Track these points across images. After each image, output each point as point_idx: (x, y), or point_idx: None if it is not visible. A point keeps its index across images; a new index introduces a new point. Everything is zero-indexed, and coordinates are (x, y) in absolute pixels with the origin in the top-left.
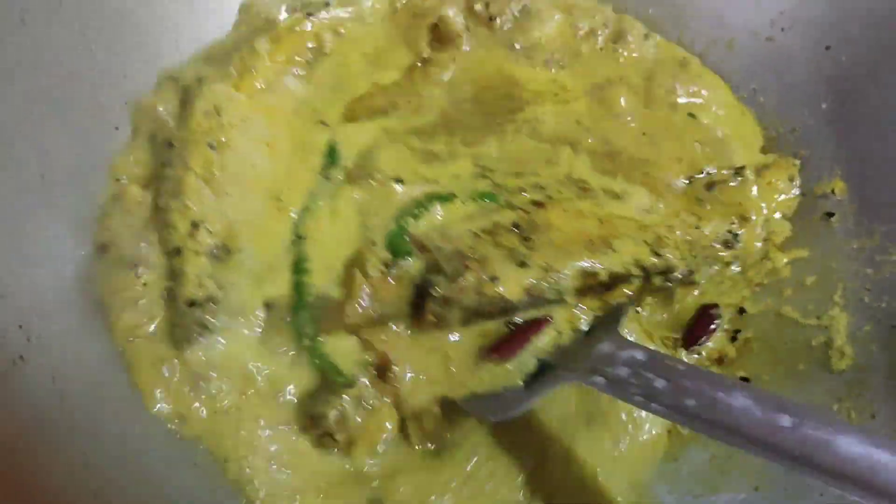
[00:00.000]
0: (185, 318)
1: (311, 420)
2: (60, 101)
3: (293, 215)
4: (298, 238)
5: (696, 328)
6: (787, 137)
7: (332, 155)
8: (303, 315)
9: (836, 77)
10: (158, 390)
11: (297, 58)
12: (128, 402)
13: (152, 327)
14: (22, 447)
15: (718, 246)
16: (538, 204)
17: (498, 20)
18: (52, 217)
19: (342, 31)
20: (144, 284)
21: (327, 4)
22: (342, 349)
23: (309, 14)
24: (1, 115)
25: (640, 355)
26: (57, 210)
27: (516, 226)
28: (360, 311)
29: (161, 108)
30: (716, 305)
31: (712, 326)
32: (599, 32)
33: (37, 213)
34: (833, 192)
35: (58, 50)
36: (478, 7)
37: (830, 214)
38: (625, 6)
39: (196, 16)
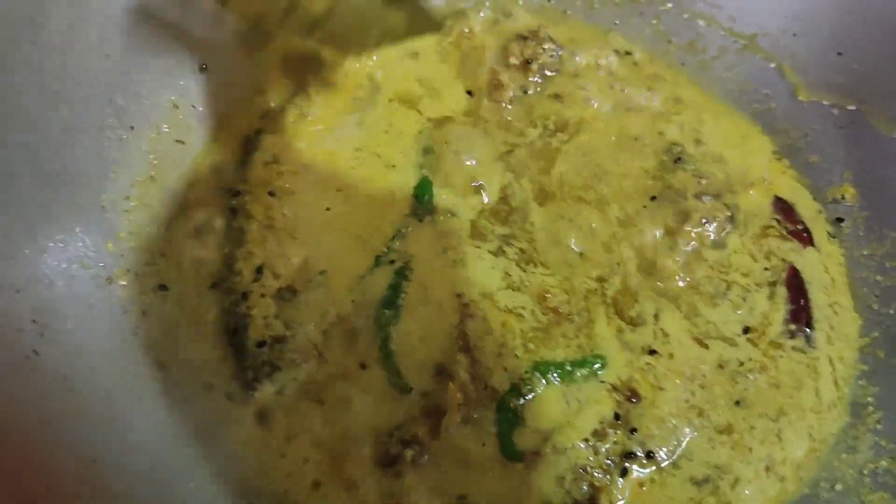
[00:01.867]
0: (255, 359)
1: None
2: (79, 100)
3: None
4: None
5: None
6: (798, 143)
7: (423, 188)
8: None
9: (848, 83)
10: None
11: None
12: (138, 400)
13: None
14: (32, 441)
15: None
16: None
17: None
18: (67, 214)
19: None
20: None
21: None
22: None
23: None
24: (20, 113)
25: None
26: (71, 207)
27: (617, 416)
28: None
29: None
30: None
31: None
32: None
33: (51, 210)
34: (843, 197)
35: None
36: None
37: (840, 220)
38: (636, 17)
39: None
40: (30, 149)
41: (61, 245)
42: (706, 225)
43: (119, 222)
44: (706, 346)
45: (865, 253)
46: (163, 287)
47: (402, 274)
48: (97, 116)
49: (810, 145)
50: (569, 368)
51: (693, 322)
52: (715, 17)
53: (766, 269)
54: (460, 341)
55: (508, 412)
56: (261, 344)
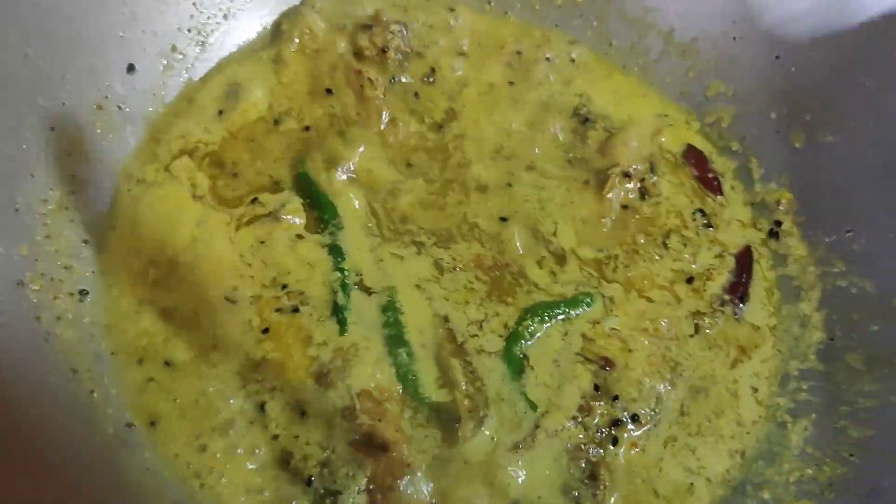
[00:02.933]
0: (315, 497)
1: None
2: None
3: None
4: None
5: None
6: (737, 147)
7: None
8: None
9: (786, 88)
10: None
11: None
12: (47, 405)
13: None
14: None
15: None
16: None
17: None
18: None
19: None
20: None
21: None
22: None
23: None
24: None
25: None
26: None
27: (596, 387)
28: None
29: None
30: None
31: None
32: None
33: None
34: (780, 202)
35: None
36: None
37: (779, 223)
38: (577, 19)
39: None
40: None
41: None
42: (628, 178)
43: (34, 225)
44: (653, 301)
45: (802, 254)
46: (83, 292)
47: (391, 308)
48: (15, 117)
49: (749, 149)
50: (563, 308)
51: (639, 277)
52: (656, 22)
53: (697, 210)
54: (448, 344)
55: (516, 361)
56: (309, 481)
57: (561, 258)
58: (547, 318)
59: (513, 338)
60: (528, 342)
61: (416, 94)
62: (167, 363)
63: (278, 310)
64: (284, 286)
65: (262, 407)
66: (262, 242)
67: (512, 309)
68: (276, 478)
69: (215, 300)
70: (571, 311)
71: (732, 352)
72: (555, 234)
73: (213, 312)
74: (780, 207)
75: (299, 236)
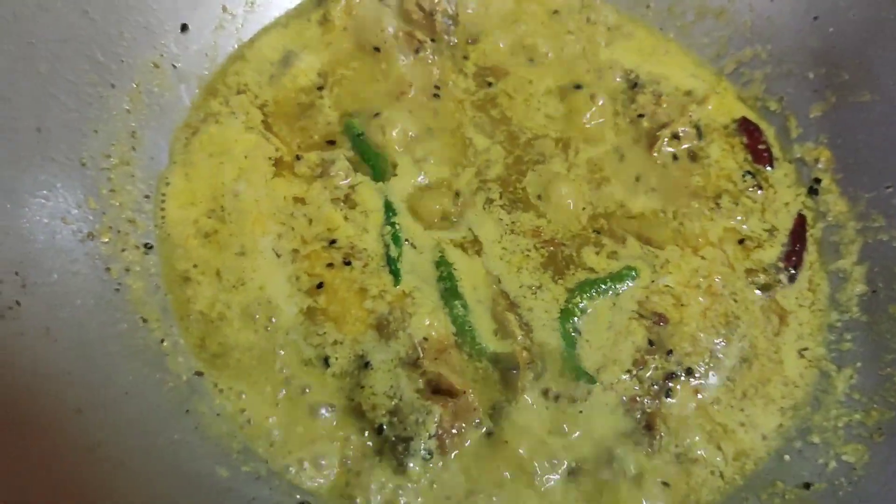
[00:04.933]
0: (386, 444)
1: None
2: (57, 56)
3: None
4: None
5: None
6: (775, 107)
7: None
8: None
9: (823, 48)
10: None
11: None
12: (120, 355)
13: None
14: (15, 391)
15: None
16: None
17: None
18: (46, 170)
19: None
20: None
21: None
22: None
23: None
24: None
25: None
26: (50, 163)
27: (651, 342)
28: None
29: None
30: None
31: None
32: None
33: (30, 166)
34: (819, 159)
35: (58, 10)
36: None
37: (818, 181)
38: None
39: None
40: (6, 104)
41: (42, 200)
42: (677, 139)
43: (100, 179)
44: (705, 259)
45: (843, 210)
46: (147, 245)
47: (444, 263)
48: (76, 73)
49: (786, 109)
50: (609, 283)
51: (691, 234)
52: None
53: (747, 172)
54: (503, 300)
55: (569, 338)
56: (380, 429)
57: (611, 215)
58: (595, 294)
59: (564, 315)
60: (580, 319)
61: (466, 56)
62: (221, 317)
63: (329, 265)
64: (333, 241)
65: (325, 360)
66: (304, 200)
67: (561, 287)
68: (346, 426)
69: (263, 252)
70: (618, 285)
71: (774, 318)
72: (606, 190)
73: (260, 269)
74: (819, 165)
75: (347, 192)
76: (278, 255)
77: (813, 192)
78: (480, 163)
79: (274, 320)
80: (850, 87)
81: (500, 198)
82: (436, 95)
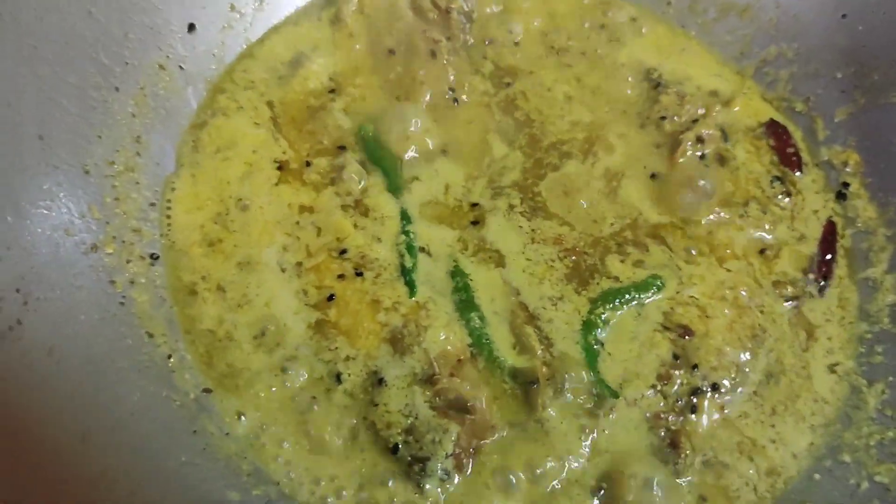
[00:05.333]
0: (401, 465)
1: None
2: (59, 59)
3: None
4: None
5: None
6: (801, 108)
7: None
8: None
9: (852, 47)
10: None
11: None
12: (127, 372)
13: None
14: (17, 415)
15: None
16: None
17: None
18: (49, 178)
19: None
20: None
21: None
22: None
23: None
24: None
25: None
26: (53, 171)
27: (676, 356)
28: (552, 392)
29: None
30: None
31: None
32: None
33: (33, 174)
34: (848, 163)
35: (60, 12)
36: None
37: (846, 185)
38: None
39: None
40: (6, 109)
41: (44, 211)
42: (701, 143)
43: (104, 187)
44: (731, 271)
45: (872, 216)
46: (153, 256)
47: (459, 273)
48: (80, 77)
49: (812, 109)
50: (634, 293)
51: (715, 244)
52: None
53: (775, 178)
54: (521, 313)
55: (592, 351)
56: (395, 449)
57: (633, 224)
58: (619, 304)
59: (586, 327)
60: (602, 330)
61: (485, 56)
62: (229, 337)
63: (340, 276)
64: (343, 251)
65: (338, 377)
66: (311, 209)
67: (584, 298)
68: (360, 446)
69: (268, 265)
70: (642, 296)
71: (802, 333)
72: (626, 196)
73: (265, 284)
74: (848, 169)
75: (357, 200)
76: (283, 270)
77: (841, 196)
78: (496, 170)
79: (282, 337)
80: (879, 87)
81: (521, 204)
82: (453, 99)
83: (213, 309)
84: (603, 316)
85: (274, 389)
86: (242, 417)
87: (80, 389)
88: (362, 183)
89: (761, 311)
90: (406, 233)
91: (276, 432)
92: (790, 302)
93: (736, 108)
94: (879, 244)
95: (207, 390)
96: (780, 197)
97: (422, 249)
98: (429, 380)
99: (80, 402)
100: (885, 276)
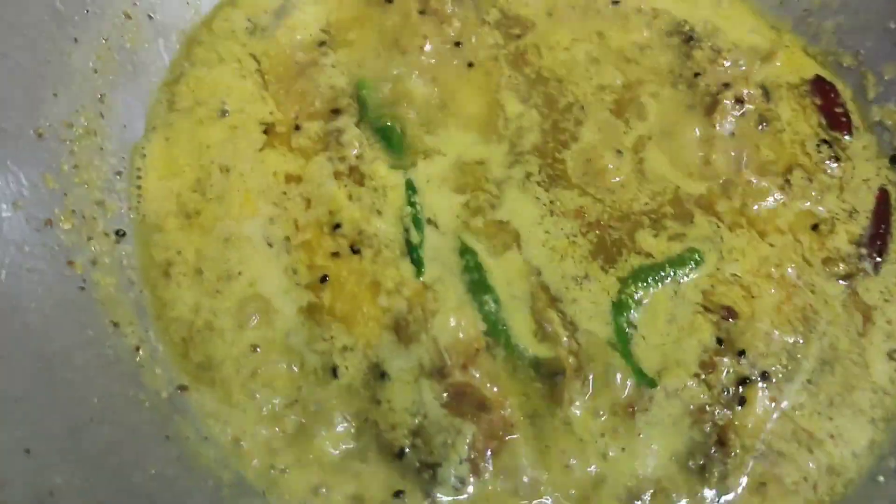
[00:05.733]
0: (409, 471)
1: None
2: (6, 5)
3: None
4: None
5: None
6: (849, 62)
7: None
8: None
9: None
10: None
11: None
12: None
13: None
14: None
15: None
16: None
17: None
18: None
19: None
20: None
21: None
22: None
23: None
24: None
25: None
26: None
27: (720, 340)
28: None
29: None
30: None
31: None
32: None
33: None
34: None
35: None
36: None
37: None
38: None
39: None
40: None
41: None
42: (740, 103)
43: (60, 153)
44: (774, 246)
45: None
46: (119, 232)
47: (469, 251)
48: (31, 25)
49: (862, 64)
50: (668, 269)
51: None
52: None
53: (822, 141)
54: (543, 295)
55: (624, 334)
56: (401, 453)
57: (663, 194)
58: (652, 282)
59: (617, 308)
60: (635, 311)
61: (493, 4)
62: (208, 325)
63: (335, 253)
64: (337, 225)
65: (334, 371)
66: (299, 178)
67: (612, 277)
68: (360, 451)
69: (251, 239)
70: (679, 272)
71: (857, 316)
72: (657, 164)
73: (249, 261)
74: None
75: (352, 167)
76: (270, 245)
77: (895, 161)
78: (513, 132)
79: (269, 322)
80: None
81: (539, 172)
82: (459, 53)
83: (190, 291)
84: (636, 296)
85: (260, 383)
86: (222, 415)
87: (27, 392)
88: (362, 150)
89: (812, 291)
90: (412, 204)
91: (263, 435)
92: (843, 281)
93: (778, 63)
94: None
95: (183, 387)
96: (827, 163)
97: (429, 222)
98: (438, 373)
99: (27, 408)
100: None
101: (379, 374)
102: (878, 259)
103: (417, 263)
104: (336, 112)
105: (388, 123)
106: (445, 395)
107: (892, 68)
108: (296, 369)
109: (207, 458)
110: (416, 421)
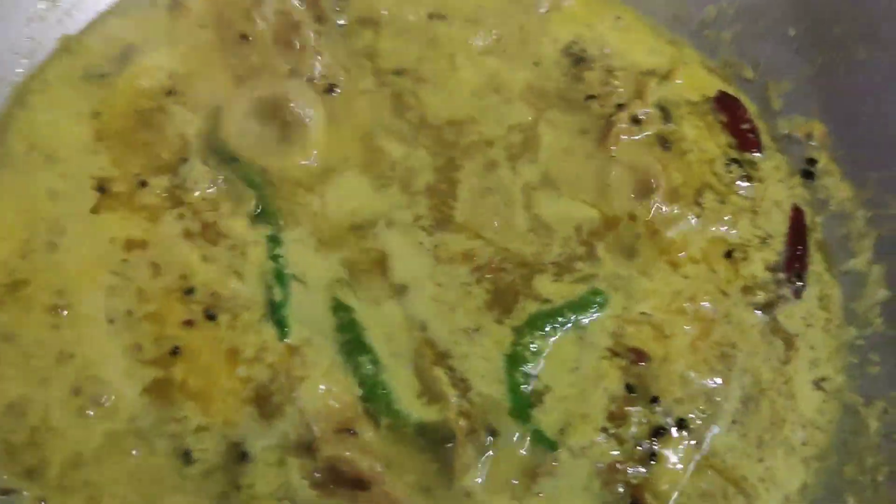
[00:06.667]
0: None
1: None
2: None
3: None
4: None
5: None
6: (750, 75)
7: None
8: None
9: None
10: None
11: None
12: None
13: None
14: None
15: None
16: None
17: None
18: None
19: None
20: None
21: None
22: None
23: None
24: None
25: None
26: None
27: (630, 387)
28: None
29: None
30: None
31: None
32: None
33: None
34: (812, 134)
35: None
36: None
37: (812, 161)
38: None
39: None
40: None
41: None
42: (637, 124)
43: None
44: (688, 277)
45: (846, 196)
46: None
47: (343, 308)
48: None
49: (764, 76)
50: (568, 314)
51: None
52: None
53: (733, 160)
54: (429, 351)
55: (520, 393)
56: None
57: (562, 231)
58: (550, 329)
59: (511, 362)
60: (533, 363)
61: (363, 45)
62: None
63: (187, 322)
64: (190, 290)
65: (186, 455)
66: (144, 244)
67: (507, 327)
68: None
69: (89, 317)
70: (580, 316)
71: (779, 343)
72: (553, 198)
73: (85, 340)
74: (812, 142)
75: (206, 224)
76: (111, 321)
77: (808, 175)
78: (401, 173)
79: (110, 409)
80: (841, 43)
81: (428, 214)
82: (328, 92)
83: (15, 381)
84: (532, 346)
85: (104, 479)
86: None
87: None
88: (213, 188)
89: (728, 323)
90: (274, 257)
91: None
92: (761, 311)
93: (678, 81)
94: (859, 229)
95: (7, 491)
96: (738, 183)
97: (295, 278)
98: (307, 448)
99: None
100: (872, 267)
101: (239, 455)
102: (800, 283)
103: (281, 324)
104: (185, 161)
105: (251, 171)
106: (316, 474)
107: (795, 77)
108: (144, 457)
109: None
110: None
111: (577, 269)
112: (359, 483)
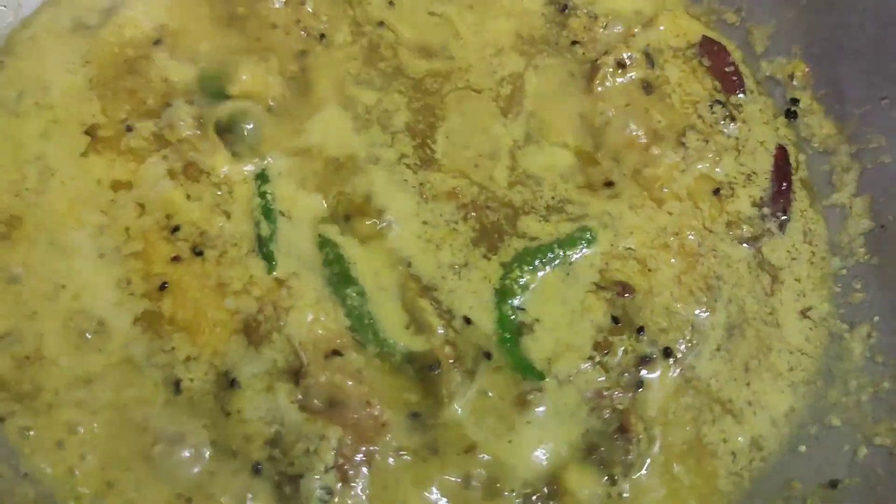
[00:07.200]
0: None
1: None
2: None
3: None
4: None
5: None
6: (733, 19)
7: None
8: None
9: None
10: None
11: None
12: None
13: None
14: None
15: None
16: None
17: None
18: None
19: None
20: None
21: None
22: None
23: None
24: None
25: None
26: None
27: (615, 319)
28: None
29: None
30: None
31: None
32: None
33: None
34: (794, 75)
35: None
36: None
37: (796, 101)
38: None
39: None
40: None
41: None
42: (622, 68)
43: None
44: (672, 214)
45: (828, 132)
46: None
47: (329, 244)
48: None
49: (746, 19)
50: (557, 251)
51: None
52: None
53: (717, 101)
54: (413, 285)
55: (510, 323)
56: (258, 468)
57: (549, 170)
58: (540, 264)
59: (501, 295)
60: (522, 297)
61: None
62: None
63: (175, 258)
64: (176, 228)
65: (177, 385)
66: (130, 185)
67: (495, 263)
68: (210, 471)
69: (79, 251)
70: (569, 252)
71: (765, 277)
72: (542, 141)
73: (77, 274)
74: (795, 82)
75: (189, 163)
76: (101, 256)
77: (791, 115)
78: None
79: (102, 339)
80: None
81: (413, 153)
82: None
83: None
84: (521, 280)
85: (93, 405)
86: (48, 444)
87: None
88: (197, 133)
89: (714, 257)
90: (262, 194)
91: (96, 461)
92: (747, 244)
93: (661, 28)
94: (843, 164)
95: None
96: (722, 123)
97: (282, 214)
98: (295, 374)
99: None
100: (854, 200)
101: (228, 382)
102: (784, 217)
103: (268, 258)
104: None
105: (238, 117)
106: (303, 397)
107: (776, 21)
108: (135, 386)
109: (25, 500)
110: (273, 430)
111: (566, 210)
112: (345, 406)
